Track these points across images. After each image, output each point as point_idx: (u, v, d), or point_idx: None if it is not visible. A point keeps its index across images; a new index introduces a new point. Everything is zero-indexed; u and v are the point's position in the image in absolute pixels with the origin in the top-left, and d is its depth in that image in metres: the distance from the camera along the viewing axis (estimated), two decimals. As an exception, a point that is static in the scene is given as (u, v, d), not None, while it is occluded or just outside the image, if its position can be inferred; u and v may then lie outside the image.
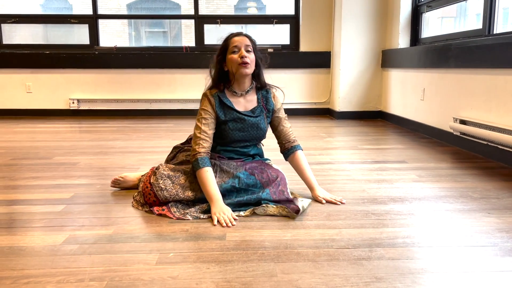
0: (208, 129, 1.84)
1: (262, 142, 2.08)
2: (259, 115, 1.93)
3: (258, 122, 1.92)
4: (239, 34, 1.87)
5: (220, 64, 1.87)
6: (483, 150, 2.82)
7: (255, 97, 1.95)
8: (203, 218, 1.68)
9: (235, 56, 1.81)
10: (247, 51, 1.82)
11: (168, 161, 2.05)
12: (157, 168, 1.85)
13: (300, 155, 1.99)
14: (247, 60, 1.80)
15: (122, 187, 2.08)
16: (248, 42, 1.84)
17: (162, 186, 1.76)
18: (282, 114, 2.00)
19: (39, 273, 1.25)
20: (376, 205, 1.86)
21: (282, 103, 2.04)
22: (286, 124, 2.01)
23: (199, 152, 1.79)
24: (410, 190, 2.08)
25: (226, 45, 1.85)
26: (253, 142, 1.97)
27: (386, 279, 1.21)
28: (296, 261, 1.32)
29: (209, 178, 1.73)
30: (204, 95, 1.90)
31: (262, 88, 1.97)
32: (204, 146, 1.81)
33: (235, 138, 1.90)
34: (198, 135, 1.83)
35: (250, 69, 1.85)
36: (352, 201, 1.91)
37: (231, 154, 1.95)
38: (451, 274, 1.24)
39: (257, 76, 1.93)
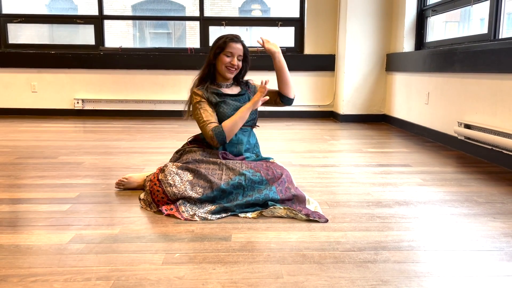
0: (209, 114, 1.98)
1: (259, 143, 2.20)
2: (244, 93, 2.11)
3: (245, 99, 2.08)
4: (237, 40, 2.02)
5: (213, 59, 2.03)
6: (488, 155, 2.82)
7: (239, 87, 2.14)
8: (211, 220, 1.68)
9: (227, 59, 2.00)
10: (238, 59, 2.03)
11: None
12: (165, 166, 1.87)
13: None
14: (234, 67, 2.02)
15: (126, 188, 2.08)
16: (242, 52, 2.03)
17: (171, 182, 1.78)
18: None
19: (46, 272, 1.25)
20: (381, 208, 1.86)
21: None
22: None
23: (211, 129, 1.94)
24: (415, 193, 2.08)
25: (223, 47, 2.00)
26: (248, 122, 2.07)
27: (391, 282, 1.21)
28: (301, 263, 1.33)
29: (230, 120, 1.95)
30: (192, 91, 2.06)
31: (241, 82, 2.17)
32: (212, 123, 1.96)
33: (231, 115, 2.00)
34: (203, 123, 1.97)
35: (233, 74, 2.06)
36: (357, 204, 1.91)
37: (227, 144, 2.04)
38: (456, 278, 1.25)
39: (236, 78, 2.13)
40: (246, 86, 2.16)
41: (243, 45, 2.04)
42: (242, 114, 1.96)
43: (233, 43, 2.00)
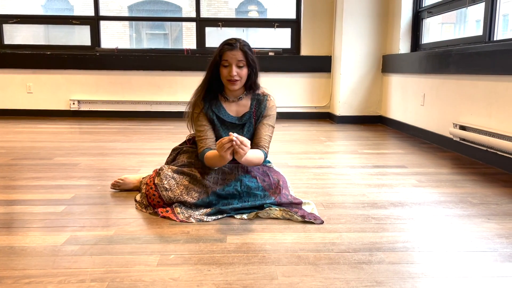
0: (205, 129, 1.87)
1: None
2: (246, 121, 1.90)
3: (243, 129, 1.90)
4: (233, 47, 1.79)
5: (215, 73, 1.85)
6: (483, 156, 2.83)
7: (249, 102, 1.92)
8: (206, 221, 1.68)
9: (225, 72, 1.80)
10: (239, 67, 1.79)
11: (168, 163, 2.05)
12: (161, 169, 1.86)
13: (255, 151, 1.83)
14: (235, 78, 1.79)
15: (122, 189, 2.08)
16: (241, 57, 1.78)
17: (167, 186, 1.77)
18: (268, 121, 1.91)
19: (40, 273, 1.25)
20: (376, 209, 1.87)
21: (277, 113, 1.96)
22: (265, 129, 1.89)
23: (200, 150, 1.84)
24: (410, 195, 2.09)
25: (220, 58, 1.81)
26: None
27: (386, 283, 1.22)
28: (296, 264, 1.33)
29: (212, 154, 1.78)
30: (194, 103, 1.90)
31: (257, 93, 1.93)
32: (204, 140, 1.85)
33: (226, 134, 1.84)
34: (198, 137, 1.88)
35: (238, 85, 1.83)
36: (352, 205, 1.92)
37: None
38: (450, 279, 1.25)
39: (249, 87, 1.89)
40: (257, 104, 1.91)
41: (242, 50, 1.79)
42: (218, 160, 1.74)
43: (228, 51, 1.78)
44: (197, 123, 1.88)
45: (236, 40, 1.83)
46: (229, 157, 1.64)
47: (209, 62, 1.87)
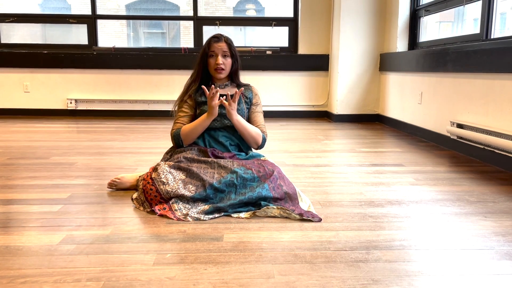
0: (183, 114, 2.10)
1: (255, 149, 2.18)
2: (237, 102, 2.08)
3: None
4: (218, 40, 2.07)
5: (204, 63, 2.10)
6: (480, 154, 2.83)
7: (235, 88, 2.15)
8: (203, 220, 1.68)
9: (213, 61, 2.06)
10: (224, 56, 2.06)
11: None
12: (158, 165, 1.88)
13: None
14: (221, 66, 2.05)
15: (119, 188, 2.07)
16: (225, 48, 2.05)
17: (164, 180, 1.78)
18: (258, 109, 2.16)
19: (36, 273, 1.24)
20: (373, 207, 1.86)
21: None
22: (259, 117, 2.15)
23: (173, 130, 2.08)
24: (407, 193, 2.09)
25: (208, 49, 2.07)
26: (233, 133, 2.07)
27: (383, 281, 1.22)
28: (293, 262, 1.33)
29: (189, 124, 2.03)
30: (187, 91, 2.14)
31: (240, 82, 2.18)
32: (177, 123, 2.08)
33: (212, 124, 2.05)
34: (175, 119, 2.12)
35: (224, 73, 2.09)
36: (349, 203, 1.92)
37: (212, 142, 2.07)
38: (447, 277, 1.25)
39: (234, 73, 2.14)
40: (242, 86, 2.15)
41: (227, 42, 2.06)
42: (201, 122, 2.00)
43: (214, 43, 2.05)
44: (182, 108, 2.11)
45: (221, 35, 2.11)
46: (217, 109, 1.95)
47: (198, 56, 2.12)
